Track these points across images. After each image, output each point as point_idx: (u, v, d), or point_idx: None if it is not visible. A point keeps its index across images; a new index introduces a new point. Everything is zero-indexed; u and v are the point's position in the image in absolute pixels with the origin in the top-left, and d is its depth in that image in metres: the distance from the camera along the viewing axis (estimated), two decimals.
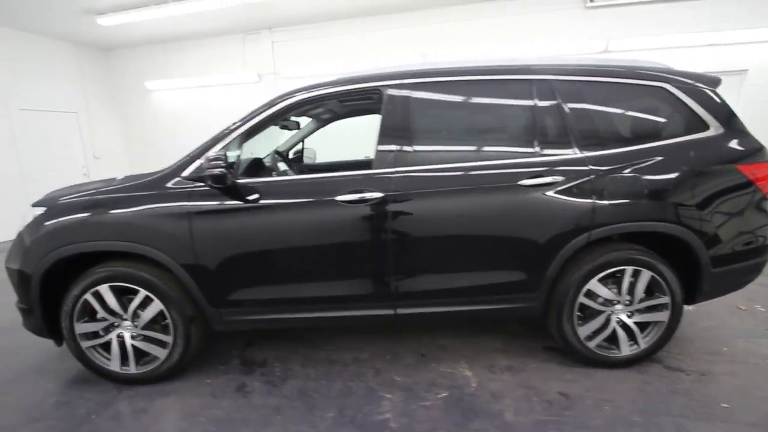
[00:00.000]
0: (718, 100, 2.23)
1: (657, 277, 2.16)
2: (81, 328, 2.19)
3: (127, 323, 2.21)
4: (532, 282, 2.17)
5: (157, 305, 2.15)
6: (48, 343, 2.37)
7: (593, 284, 2.18)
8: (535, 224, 2.09)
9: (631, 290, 2.19)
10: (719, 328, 2.77)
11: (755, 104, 4.96)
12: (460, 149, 2.22)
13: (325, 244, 2.10)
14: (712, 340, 2.60)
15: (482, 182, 2.08)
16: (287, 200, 2.12)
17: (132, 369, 2.24)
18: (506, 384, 2.19)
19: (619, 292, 2.21)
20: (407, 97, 2.15)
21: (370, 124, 3.83)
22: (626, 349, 2.26)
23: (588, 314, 2.25)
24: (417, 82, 2.16)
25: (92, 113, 7.67)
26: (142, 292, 2.14)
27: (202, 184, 2.09)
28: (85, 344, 2.21)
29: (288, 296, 2.17)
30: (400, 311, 2.20)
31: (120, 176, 2.47)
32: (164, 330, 2.21)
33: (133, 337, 2.22)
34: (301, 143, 3.66)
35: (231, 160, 2.06)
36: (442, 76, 2.16)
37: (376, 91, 2.20)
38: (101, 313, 2.18)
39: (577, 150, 2.12)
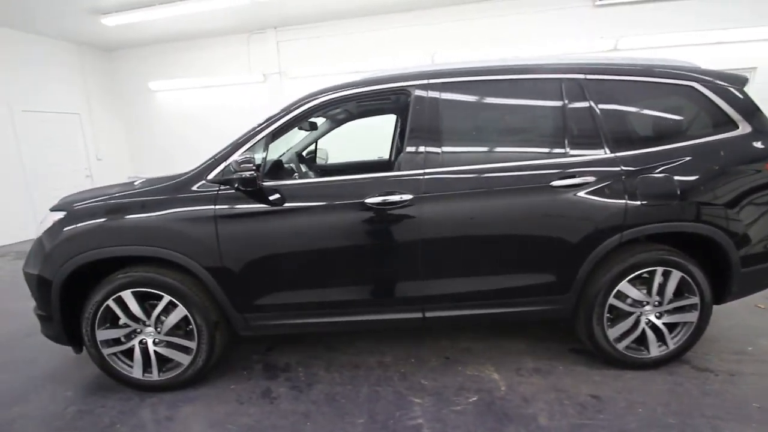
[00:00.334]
0: (746, 99, 2.21)
1: (687, 277, 2.14)
2: (102, 334, 2.14)
3: (150, 329, 2.17)
4: (563, 284, 2.14)
5: (181, 311, 2.11)
6: (65, 350, 2.33)
7: (623, 285, 2.15)
8: (567, 225, 2.07)
9: (661, 291, 2.17)
10: (741, 327, 2.76)
11: (765, 102, 4.96)
12: (490, 150, 2.19)
13: (353, 247, 2.06)
14: (736, 340, 2.59)
15: (513, 183, 2.05)
16: (314, 203, 2.08)
17: (155, 376, 2.19)
18: (536, 387, 2.16)
19: (649, 293, 2.19)
20: (436, 97, 2.12)
21: (376, 125, 3.82)
22: (655, 351, 2.24)
23: (617, 316, 2.23)
24: (446, 82, 2.13)
25: (95, 114, 7.60)
26: (166, 298, 2.10)
27: (228, 187, 2.05)
28: (106, 351, 2.17)
29: (315, 300, 2.13)
30: (429, 314, 2.17)
31: (139, 180, 2.42)
32: (188, 336, 2.17)
33: (155, 344, 2.18)
34: (314, 144, 3.63)
35: (257, 162, 2.02)
36: (472, 76, 2.13)
37: (404, 91, 2.16)
38: (123, 319, 2.14)
39: (607, 150, 2.10)
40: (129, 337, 2.18)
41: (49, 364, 2.63)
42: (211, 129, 7.25)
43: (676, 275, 2.15)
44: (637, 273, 2.13)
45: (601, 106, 2.12)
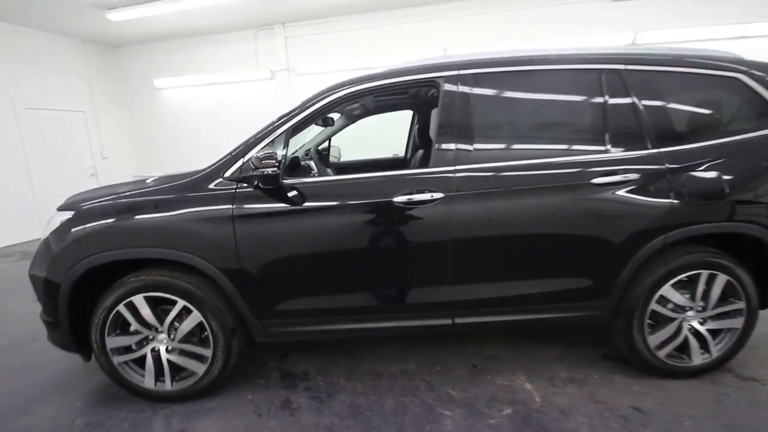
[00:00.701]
0: None
1: (733, 281, 2.01)
2: (113, 342, 2.02)
3: (163, 336, 2.05)
4: (603, 288, 2.01)
5: (196, 317, 1.99)
6: (73, 356, 2.20)
7: (666, 290, 2.03)
8: (609, 226, 1.94)
9: (705, 295, 2.04)
10: None
11: None
12: (525, 145, 2.05)
13: (378, 248, 1.94)
14: None
15: (551, 181, 1.92)
16: (338, 201, 1.95)
17: (167, 386, 2.07)
18: (573, 398, 2.03)
19: (692, 298, 2.05)
20: (468, 89, 1.98)
21: (386, 122, 3.69)
22: (698, 359, 2.11)
23: (658, 322, 2.10)
24: (478, 73, 1.99)
25: (100, 112, 7.49)
26: (180, 303, 1.98)
27: (246, 185, 1.93)
28: (117, 359, 2.04)
29: (339, 305, 2.01)
30: (459, 321, 2.04)
31: (151, 178, 2.30)
32: (203, 343, 2.05)
33: (169, 351, 2.06)
34: (328, 140, 3.50)
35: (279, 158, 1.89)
36: (505, 66, 1.99)
37: (432, 82, 2.02)
38: (135, 325, 2.01)
39: (651, 145, 1.96)
40: (140, 344, 2.06)
41: (56, 372, 2.51)
42: (217, 127, 7.14)
43: (721, 279, 2.02)
44: (681, 276, 2.00)
45: (642, 98, 1.98)
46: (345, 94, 2.01)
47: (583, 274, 2.00)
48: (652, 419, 1.86)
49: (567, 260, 1.98)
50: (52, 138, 6.73)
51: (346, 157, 3.91)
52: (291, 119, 1.99)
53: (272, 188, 1.88)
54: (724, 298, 2.06)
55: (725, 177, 1.93)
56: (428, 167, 1.96)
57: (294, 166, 2.37)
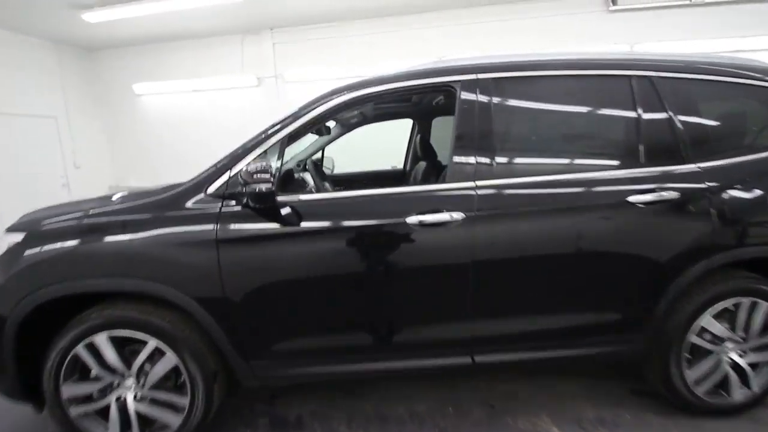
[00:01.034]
0: None
1: None
2: (70, 390, 1.69)
3: (131, 382, 1.72)
4: (637, 319, 1.80)
5: (170, 359, 1.68)
6: (22, 407, 1.85)
7: (706, 320, 1.82)
8: (647, 249, 1.73)
9: (745, 325, 1.84)
10: None
11: None
12: (553, 159, 1.83)
13: (390, 277, 1.68)
14: None
15: (583, 200, 1.70)
16: (342, 222, 1.69)
17: None
18: None
19: (733, 328, 1.85)
20: (489, 95, 1.75)
21: (379, 131, 3.47)
22: (738, 394, 1.91)
23: (695, 355, 1.88)
24: (500, 77, 1.76)
25: (74, 118, 7.05)
26: (152, 343, 1.66)
27: (234, 202, 1.64)
28: (74, 411, 1.70)
29: (342, 343, 1.73)
30: (479, 359, 1.78)
31: (119, 193, 1.99)
32: (179, 390, 1.73)
33: (137, 400, 1.72)
34: (322, 151, 3.24)
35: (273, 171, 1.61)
36: (532, 70, 1.78)
37: (448, 87, 1.79)
38: (96, 370, 1.69)
39: (690, 160, 1.77)
40: (103, 392, 1.72)
41: (6, 424, 2.13)
42: (200, 135, 6.79)
43: (763, 307, 1.82)
44: (721, 304, 1.80)
45: (681, 109, 1.79)
46: (349, 99, 1.76)
47: (620, 303, 1.80)
48: None
49: (602, 288, 1.77)
50: (19, 145, 6.27)
51: (339, 168, 3.65)
52: (287, 126, 1.72)
53: (266, 207, 1.60)
54: (766, 329, 1.87)
55: None
56: (444, 182, 1.72)
57: (288, 180, 2.10)
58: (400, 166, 3.56)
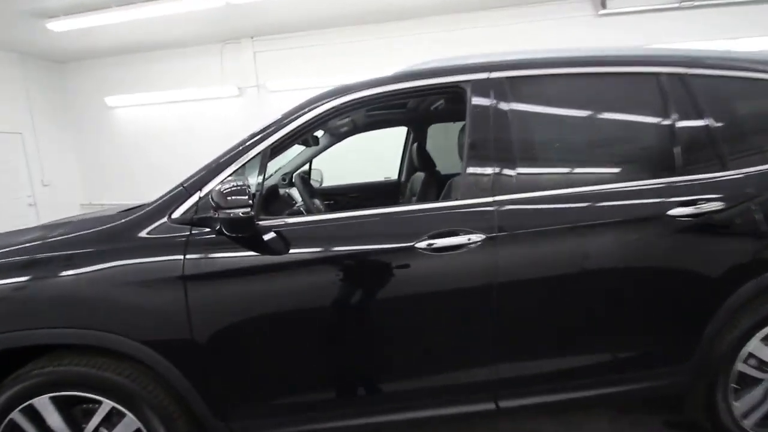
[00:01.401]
0: None
1: None
2: None
3: None
4: (685, 349, 1.57)
5: (130, 422, 1.37)
6: None
7: (754, 344, 1.61)
8: (692, 268, 1.51)
9: None
10: None
11: None
12: (580, 169, 1.60)
13: (399, 313, 1.41)
14: None
15: (618, 215, 1.47)
16: (337, 249, 1.42)
17: None
18: None
19: None
20: (505, 97, 1.51)
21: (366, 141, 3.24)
22: None
23: (742, 384, 1.67)
24: (517, 76, 1.53)
25: (41, 134, 6.63)
26: (107, 404, 1.35)
27: (207, 229, 1.36)
28: None
29: (344, 395, 1.44)
30: (504, 404, 1.51)
31: (65, 219, 1.67)
32: None
33: None
34: (308, 164, 2.97)
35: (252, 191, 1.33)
36: (553, 67, 1.55)
37: (455, 88, 1.55)
38: None
39: (733, 167, 1.57)
40: None
41: None
42: (179, 149, 6.45)
43: None
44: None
45: (721, 111, 1.59)
46: (340, 104, 1.49)
47: (664, 332, 1.57)
48: None
49: (646, 314, 1.53)
50: None
51: (328, 181, 3.38)
52: (269, 136, 1.44)
53: (246, 236, 1.32)
54: None
55: None
56: (457, 199, 1.46)
57: (272, 198, 1.82)
58: (394, 176, 3.31)
